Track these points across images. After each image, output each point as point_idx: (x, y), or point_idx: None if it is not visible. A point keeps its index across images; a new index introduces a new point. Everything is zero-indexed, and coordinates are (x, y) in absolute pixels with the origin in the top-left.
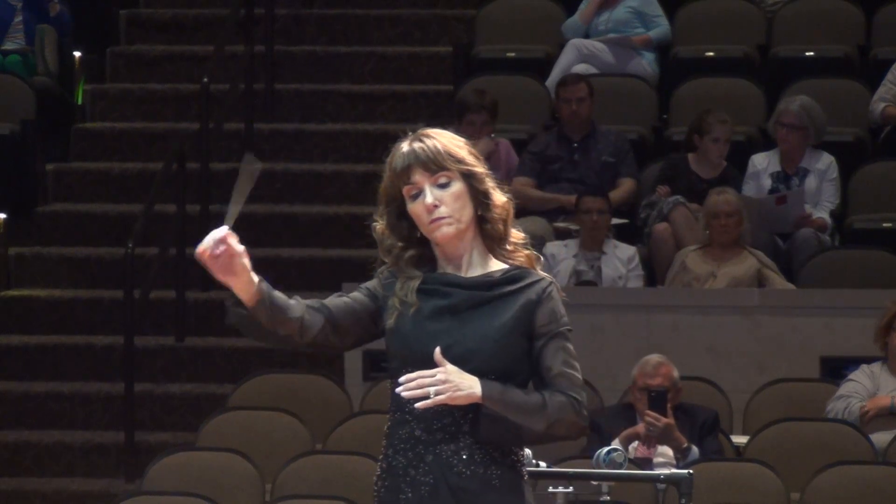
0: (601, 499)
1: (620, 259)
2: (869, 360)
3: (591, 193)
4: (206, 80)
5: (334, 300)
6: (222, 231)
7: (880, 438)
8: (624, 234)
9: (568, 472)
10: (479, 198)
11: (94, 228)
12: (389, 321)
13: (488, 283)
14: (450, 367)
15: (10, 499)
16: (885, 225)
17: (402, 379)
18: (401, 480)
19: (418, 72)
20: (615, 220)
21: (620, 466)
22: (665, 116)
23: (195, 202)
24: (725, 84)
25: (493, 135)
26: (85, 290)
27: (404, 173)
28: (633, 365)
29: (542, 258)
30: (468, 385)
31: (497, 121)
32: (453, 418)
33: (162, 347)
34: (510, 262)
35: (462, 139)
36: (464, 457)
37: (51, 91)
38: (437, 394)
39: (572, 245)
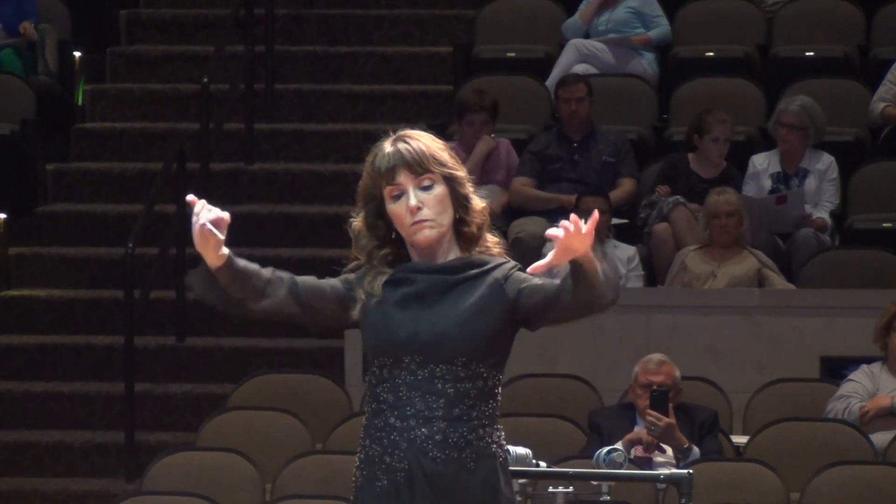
0: (601, 499)
1: (620, 259)
2: (869, 360)
3: (591, 193)
4: (206, 80)
5: (306, 277)
6: (225, 215)
7: (880, 438)
8: (624, 234)
9: (568, 472)
10: (460, 201)
11: (94, 228)
12: (355, 312)
13: (453, 268)
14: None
15: (10, 499)
16: (885, 225)
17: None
18: (376, 468)
19: (418, 72)
20: (615, 220)
21: (620, 466)
22: (665, 116)
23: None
24: (725, 84)
25: (493, 135)
26: (85, 290)
27: (388, 174)
28: (633, 365)
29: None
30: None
31: (497, 121)
32: (426, 404)
33: (162, 347)
34: None
35: (441, 141)
36: (438, 440)
37: (51, 91)
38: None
39: None
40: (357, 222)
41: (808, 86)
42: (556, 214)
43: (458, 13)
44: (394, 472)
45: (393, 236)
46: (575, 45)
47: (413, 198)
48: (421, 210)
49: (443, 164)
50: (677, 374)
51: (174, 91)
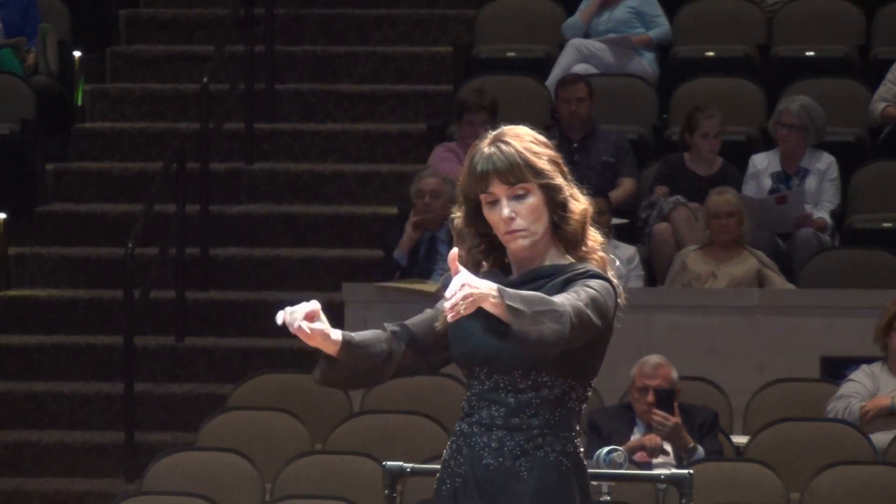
0: (601, 499)
1: (620, 259)
2: (869, 360)
3: (591, 193)
4: (206, 80)
5: (416, 318)
6: (311, 307)
7: (880, 438)
8: (624, 234)
9: None
10: (556, 209)
11: (94, 228)
12: (438, 324)
13: (522, 281)
14: (463, 274)
15: (10, 499)
16: (885, 225)
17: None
18: (445, 472)
19: (418, 72)
20: (615, 220)
21: (620, 466)
22: (665, 116)
23: (195, 202)
24: (725, 84)
25: None
26: (85, 290)
27: (482, 180)
28: (633, 365)
29: (616, 260)
30: (485, 286)
31: (497, 121)
32: (489, 412)
33: (162, 347)
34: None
35: (543, 138)
36: (493, 447)
37: (51, 91)
38: (462, 303)
39: None
40: (458, 220)
41: (808, 86)
42: None
43: (458, 13)
44: (454, 476)
45: (494, 232)
46: (575, 44)
47: (506, 209)
48: (514, 220)
49: (538, 174)
50: (675, 375)
51: (174, 91)
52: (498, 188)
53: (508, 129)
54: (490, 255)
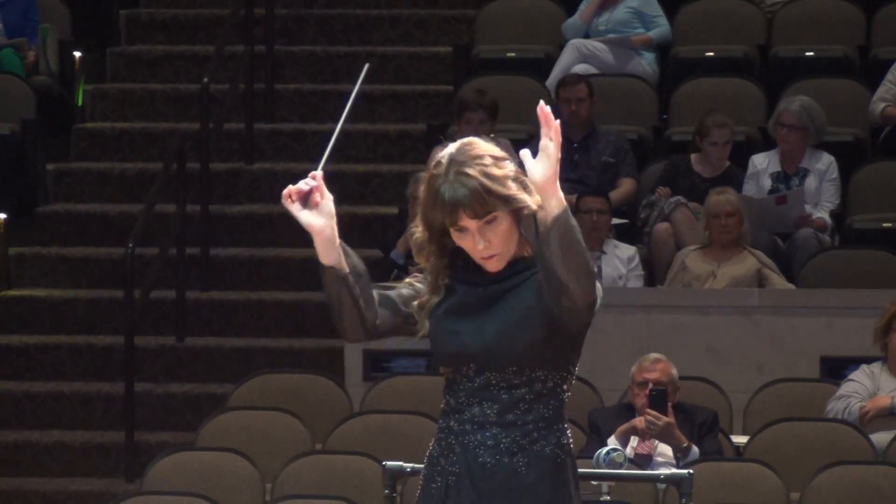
0: (601, 499)
1: (620, 259)
2: (869, 360)
3: (591, 193)
4: (206, 80)
5: (399, 290)
6: (314, 174)
7: (880, 438)
8: (624, 234)
9: None
10: (523, 221)
11: (94, 228)
12: (419, 327)
13: (502, 276)
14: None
15: (10, 499)
16: (885, 225)
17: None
18: (434, 470)
19: (418, 72)
20: (615, 220)
21: (620, 466)
22: (665, 116)
23: (195, 202)
24: (725, 84)
25: (492, 134)
26: (85, 290)
27: (451, 214)
28: (633, 365)
29: None
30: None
31: (497, 121)
32: (481, 409)
33: (162, 347)
34: None
35: (499, 152)
36: (490, 445)
37: (51, 91)
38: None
39: None
40: (420, 236)
41: (808, 86)
42: None
43: (458, 13)
44: (446, 474)
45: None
46: (575, 45)
47: (480, 242)
48: (487, 247)
49: (507, 200)
50: (674, 372)
51: (174, 91)
52: (467, 221)
53: (464, 151)
54: (454, 264)
